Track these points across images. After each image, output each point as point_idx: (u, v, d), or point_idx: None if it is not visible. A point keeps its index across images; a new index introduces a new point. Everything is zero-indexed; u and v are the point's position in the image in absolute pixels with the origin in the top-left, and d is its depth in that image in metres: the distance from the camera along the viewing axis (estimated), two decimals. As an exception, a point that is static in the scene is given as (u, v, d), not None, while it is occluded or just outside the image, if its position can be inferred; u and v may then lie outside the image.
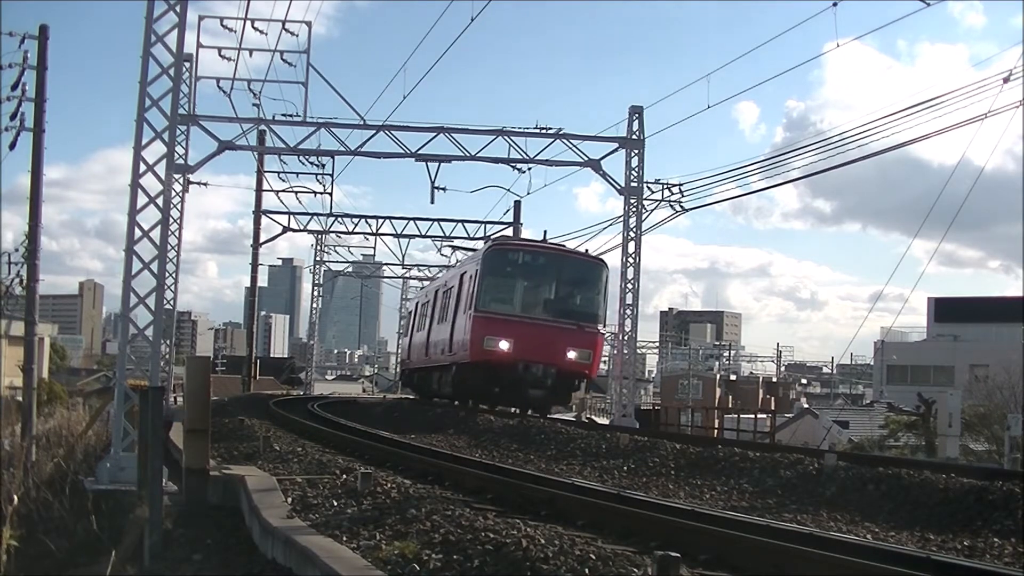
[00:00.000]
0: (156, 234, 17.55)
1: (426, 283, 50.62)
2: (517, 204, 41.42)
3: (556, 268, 27.51)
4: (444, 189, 31.12)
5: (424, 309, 37.11)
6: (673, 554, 6.49)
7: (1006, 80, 18.38)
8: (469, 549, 7.59)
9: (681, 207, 29.53)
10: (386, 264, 60.66)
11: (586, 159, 28.74)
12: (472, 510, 9.42)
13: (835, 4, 20.41)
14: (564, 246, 29.87)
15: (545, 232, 31.62)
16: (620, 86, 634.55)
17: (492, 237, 29.40)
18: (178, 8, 17.39)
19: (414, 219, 46.60)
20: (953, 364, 62.91)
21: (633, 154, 28.65)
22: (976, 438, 33.34)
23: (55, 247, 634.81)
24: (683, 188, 29.35)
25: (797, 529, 8.84)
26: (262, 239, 50.61)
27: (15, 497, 19.61)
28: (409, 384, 41.98)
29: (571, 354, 26.43)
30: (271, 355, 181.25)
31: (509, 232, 41.45)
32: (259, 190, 46.46)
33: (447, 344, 29.61)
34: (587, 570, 6.82)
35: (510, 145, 28.65)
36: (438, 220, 45.28)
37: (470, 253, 41.02)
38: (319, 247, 55.92)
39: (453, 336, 28.87)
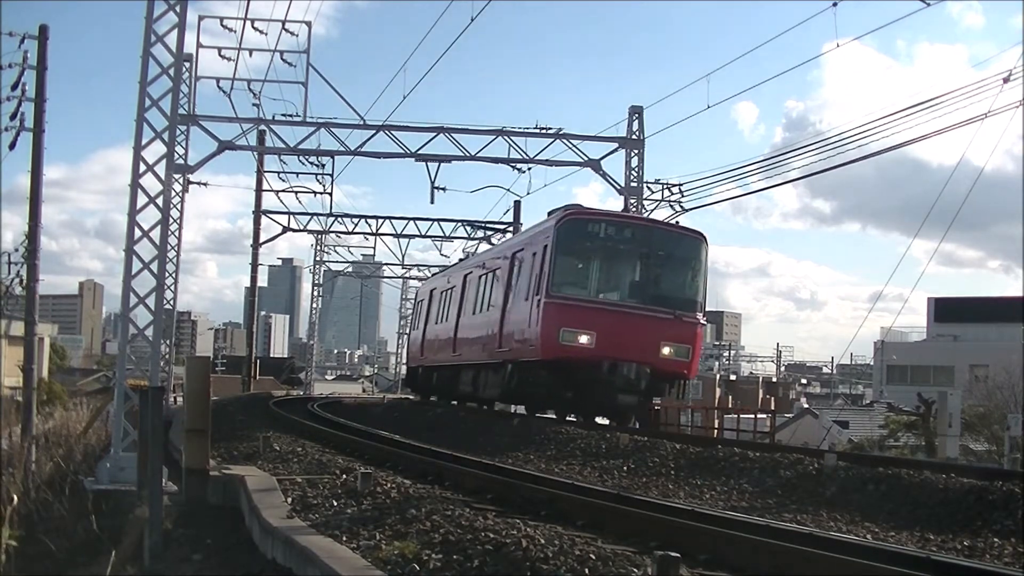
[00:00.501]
0: (156, 234, 17.55)
1: (426, 280, 50.02)
2: (517, 204, 41.39)
3: (647, 243, 22.34)
4: (444, 189, 31.25)
5: (445, 298, 31.77)
6: (673, 554, 6.48)
7: (1006, 80, 18.35)
8: (469, 549, 7.58)
9: (681, 207, 29.57)
10: (386, 264, 60.95)
11: (586, 159, 28.78)
12: (472, 510, 9.41)
13: (835, 4, 20.42)
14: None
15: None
16: (620, 86, 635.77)
17: (563, 208, 23.78)
18: (178, 8, 17.40)
19: (414, 219, 46.88)
20: (953, 364, 62.89)
21: (633, 154, 28.68)
22: (976, 438, 33.32)
23: (55, 247, 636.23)
24: (683, 188, 29.41)
25: (797, 529, 8.83)
26: (262, 239, 50.90)
27: (15, 497, 19.59)
28: (423, 384, 35.39)
29: (666, 350, 21.65)
30: (271, 355, 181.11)
31: (510, 234, 39.69)
32: (259, 190, 46.61)
33: (494, 338, 24.63)
34: (587, 570, 6.80)
35: (510, 145, 28.72)
36: (438, 220, 45.52)
37: (494, 239, 39.53)
38: (319, 247, 56.10)
39: (505, 328, 23.94)
